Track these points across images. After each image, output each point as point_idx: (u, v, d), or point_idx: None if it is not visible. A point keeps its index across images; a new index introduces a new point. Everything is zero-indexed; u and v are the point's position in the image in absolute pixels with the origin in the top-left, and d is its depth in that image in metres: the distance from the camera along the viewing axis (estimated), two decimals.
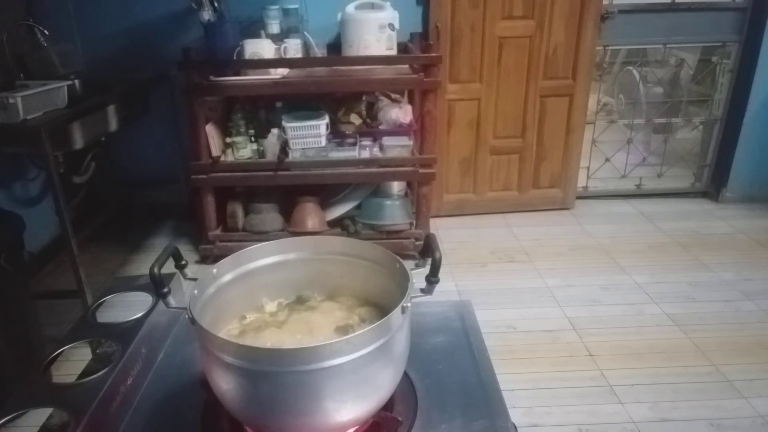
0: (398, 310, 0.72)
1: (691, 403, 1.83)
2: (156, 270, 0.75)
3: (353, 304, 0.91)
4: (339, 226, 2.80)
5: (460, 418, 0.80)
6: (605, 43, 3.17)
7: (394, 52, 2.66)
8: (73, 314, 1.96)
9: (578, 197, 3.40)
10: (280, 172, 2.58)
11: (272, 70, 2.55)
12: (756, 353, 2.07)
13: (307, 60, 2.71)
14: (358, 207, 2.82)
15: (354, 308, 0.89)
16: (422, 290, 0.78)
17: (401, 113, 2.67)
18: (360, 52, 2.61)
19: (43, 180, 2.73)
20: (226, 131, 2.64)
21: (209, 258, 2.72)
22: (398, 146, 2.62)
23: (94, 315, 0.98)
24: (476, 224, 3.22)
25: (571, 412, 1.81)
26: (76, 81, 2.63)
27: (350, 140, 2.65)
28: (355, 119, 2.69)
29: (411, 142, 2.65)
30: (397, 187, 2.80)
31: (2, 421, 0.73)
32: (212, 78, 2.51)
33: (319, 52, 2.76)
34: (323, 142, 2.55)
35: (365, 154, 2.62)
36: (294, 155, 2.57)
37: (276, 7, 2.69)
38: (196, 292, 0.79)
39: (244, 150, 2.61)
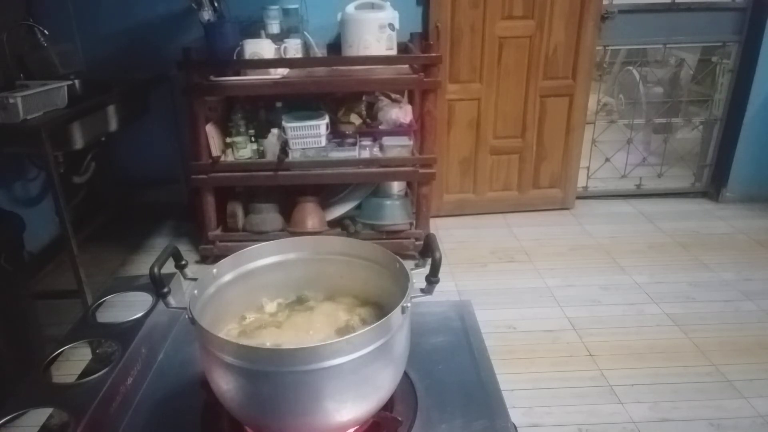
0: (398, 310, 0.72)
1: (691, 403, 1.83)
2: (156, 270, 0.75)
3: (353, 305, 0.90)
4: (339, 226, 2.80)
5: (460, 418, 0.80)
6: (605, 43, 3.17)
7: (394, 52, 2.66)
8: (73, 314, 1.97)
9: (578, 197, 3.41)
10: (280, 172, 2.58)
11: (272, 70, 2.55)
12: (756, 353, 2.07)
13: (307, 60, 2.71)
14: (358, 207, 2.82)
15: (354, 308, 0.89)
16: (422, 290, 0.78)
17: (401, 113, 2.67)
18: (360, 52, 2.61)
19: (43, 180, 2.73)
20: (226, 131, 2.64)
21: (209, 258, 2.72)
22: (398, 146, 2.62)
23: (94, 315, 0.98)
24: (476, 224, 3.22)
25: (571, 412, 1.81)
26: (76, 81, 2.63)
27: (350, 140, 2.65)
28: (355, 119, 2.69)
29: (411, 142, 2.65)
30: (397, 187, 2.80)
31: (2, 421, 0.73)
32: (212, 78, 2.51)
33: (319, 52, 2.76)
34: (323, 142, 2.55)
35: (365, 154, 2.62)
36: (294, 155, 2.57)
37: (276, 7, 2.69)
38: (196, 292, 0.79)
39: (244, 150, 2.61)
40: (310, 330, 0.84)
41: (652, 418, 1.78)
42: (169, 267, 0.81)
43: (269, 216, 2.72)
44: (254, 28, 2.72)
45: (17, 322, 1.87)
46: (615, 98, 4.25)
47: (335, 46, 2.82)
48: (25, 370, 1.80)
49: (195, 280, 0.82)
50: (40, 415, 0.77)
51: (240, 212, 2.75)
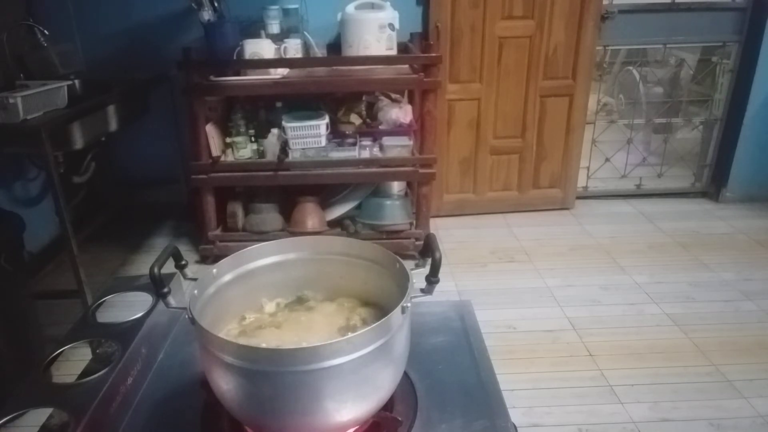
0: (398, 310, 0.72)
1: (691, 403, 1.83)
2: (156, 270, 0.75)
3: (353, 305, 0.90)
4: (339, 226, 2.80)
5: (460, 418, 0.80)
6: (605, 43, 3.17)
7: (394, 52, 2.66)
8: (73, 314, 1.97)
9: (578, 197, 3.40)
10: (280, 172, 2.58)
11: (272, 70, 2.55)
12: (756, 353, 2.07)
13: (307, 60, 2.71)
14: (358, 207, 2.82)
15: (354, 308, 0.89)
16: (422, 290, 0.78)
17: (401, 113, 2.67)
18: (360, 52, 2.61)
19: (43, 180, 2.73)
20: (226, 131, 2.64)
21: (209, 258, 2.72)
22: (398, 146, 2.62)
23: (94, 315, 0.98)
24: (476, 224, 3.22)
25: (571, 412, 1.81)
26: (76, 81, 2.63)
27: (350, 140, 2.65)
28: (355, 119, 2.69)
29: (411, 142, 2.65)
30: (397, 187, 2.80)
31: (2, 421, 0.73)
32: (212, 78, 2.51)
33: (319, 52, 2.76)
34: (323, 142, 2.55)
35: (365, 154, 2.62)
36: (294, 155, 2.57)
37: (276, 7, 2.69)
38: (196, 292, 0.79)
39: (244, 150, 2.61)
40: (310, 330, 0.84)
41: (652, 418, 1.78)
42: (169, 267, 0.81)
43: (269, 216, 2.72)
44: (254, 28, 2.71)
45: (17, 322, 1.87)
46: (615, 98, 4.25)
47: (335, 46, 2.82)
48: (25, 370, 1.80)
49: (195, 280, 0.82)
50: (40, 415, 0.77)
51: (240, 212, 2.75)
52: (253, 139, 2.62)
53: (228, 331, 0.86)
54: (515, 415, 1.03)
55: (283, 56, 2.58)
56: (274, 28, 2.68)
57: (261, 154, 2.62)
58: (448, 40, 2.97)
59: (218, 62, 2.54)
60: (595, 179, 3.46)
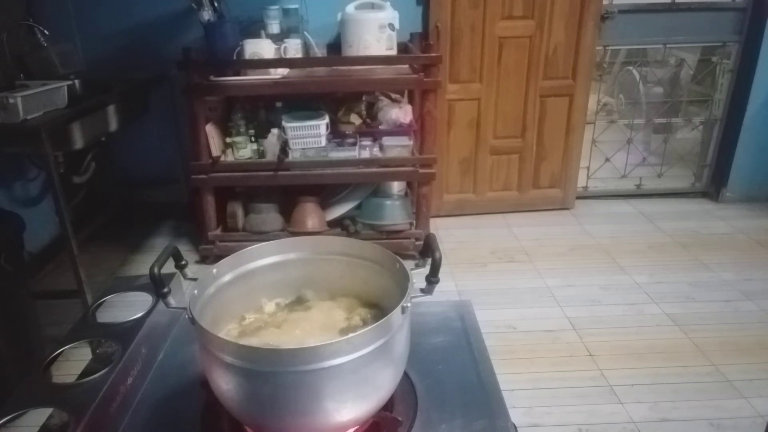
0: (398, 310, 0.72)
1: (691, 403, 1.83)
2: (156, 270, 0.75)
3: (353, 305, 0.90)
4: (339, 226, 2.80)
5: (460, 418, 0.80)
6: (605, 43, 3.17)
7: (394, 52, 2.66)
8: (73, 314, 1.96)
9: (578, 197, 3.40)
10: (280, 172, 2.58)
11: (272, 70, 2.55)
12: (756, 353, 2.07)
13: (307, 60, 2.71)
14: (358, 207, 2.82)
15: (354, 308, 0.89)
16: (422, 290, 0.78)
17: (401, 113, 2.67)
18: (360, 52, 2.61)
19: (43, 180, 2.73)
20: (226, 131, 2.64)
21: (209, 258, 2.72)
22: (398, 146, 2.62)
23: (94, 315, 0.98)
24: (476, 224, 3.22)
25: (571, 412, 1.81)
26: (76, 81, 2.63)
27: (350, 140, 2.65)
28: (355, 119, 2.69)
29: (411, 142, 2.65)
30: (397, 187, 2.80)
31: (2, 421, 0.73)
32: (212, 78, 2.51)
33: (319, 52, 2.76)
34: (323, 142, 2.55)
35: (365, 154, 2.62)
36: (294, 155, 2.57)
37: (276, 7, 2.69)
38: (196, 292, 0.79)
39: (244, 150, 2.61)
40: (310, 330, 0.84)
41: (652, 418, 1.78)
42: (169, 267, 0.81)
43: (269, 216, 2.72)
44: (254, 28, 2.71)
45: (17, 322, 1.87)
46: (615, 98, 4.25)
47: (335, 46, 2.82)
48: (25, 370, 1.80)
49: (195, 280, 0.82)
50: (40, 415, 0.77)
51: (240, 212, 2.75)
52: (253, 139, 2.61)
53: (228, 331, 0.86)
54: (515, 415, 1.03)
55: (283, 56, 2.58)
56: (274, 28, 2.68)
57: (261, 154, 2.62)
58: (448, 40, 2.97)
59: (218, 62, 2.54)
60: (595, 179, 3.46)
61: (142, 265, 2.77)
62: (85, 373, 0.84)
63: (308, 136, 2.52)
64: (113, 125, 2.40)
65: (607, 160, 3.44)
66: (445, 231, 3.09)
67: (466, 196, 3.30)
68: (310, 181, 2.63)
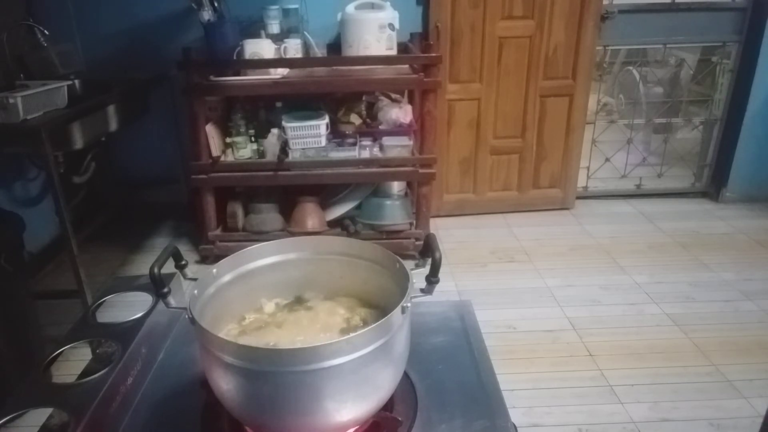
0: (398, 310, 0.72)
1: (691, 403, 1.83)
2: (156, 270, 0.75)
3: (353, 305, 0.90)
4: (339, 226, 2.80)
5: (460, 418, 0.80)
6: (605, 43, 3.17)
7: (394, 52, 2.66)
8: (73, 314, 1.96)
9: (578, 197, 3.40)
10: (280, 172, 2.58)
11: (272, 70, 2.55)
12: (756, 353, 2.07)
13: (307, 60, 2.71)
14: (358, 207, 2.82)
15: (354, 308, 0.89)
16: (422, 290, 0.78)
17: (401, 113, 2.67)
18: (360, 52, 2.61)
19: (43, 180, 2.73)
20: (226, 131, 2.64)
21: (209, 258, 2.72)
22: (398, 146, 2.62)
23: (94, 315, 0.98)
24: (476, 224, 3.22)
25: (571, 412, 1.81)
26: (76, 81, 2.63)
27: (350, 140, 2.65)
28: (355, 119, 2.69)
29: (411, 142, 2.65)
30: (397, 187, 2.80)
31: (2, 421, 0.73)
32: (212, 78, 2.51)
33: (319, 52, 2.76)
34: (323, 142, 2.55)
35: (365, 154, 2.62)
36: (294, 155, 2.57)
37: (276, 7, 2.69)
38: (196, 292, 0.79)
39: (244, 150, 2.61)
40: (310, 330, 0.84)
41: (652, 418, 1.78)
42: (169, 267, 0.81)
43: (269, 216, 2.72)
44: (254, 28, 2.72)
45: (17, 322, 1.87)
46: (615, 98, 4.25)
47: (335, 46, 2.82)
48: (25, 370, 1.80)
49: (195, 280, 0.82)
50: (40, 415, 0.77)
51: (240, 212, 2.75)
52: (253, 139, 2.61)
53: (228, 331, 0.86)
54: (515, 415, 1.03)
55: (283, 56, 2.58)
56: (274, 28, 2.68)
57: (261, 154, 2.62)
58: (448, 40, 2.97)
59: (218, 62, 2.54)
60: (595, 179, 3.46)
61: (142, 265, 2.77)
62: (85, 373, 0.84)
63: (308, 136, 2.52)
64: (113, 125, 2.40)
65: (607, 160, 3.44)
66: (445, 231, 3.09)
67: (466, 196, 3.30)
68: (310, 181, 2.63)
